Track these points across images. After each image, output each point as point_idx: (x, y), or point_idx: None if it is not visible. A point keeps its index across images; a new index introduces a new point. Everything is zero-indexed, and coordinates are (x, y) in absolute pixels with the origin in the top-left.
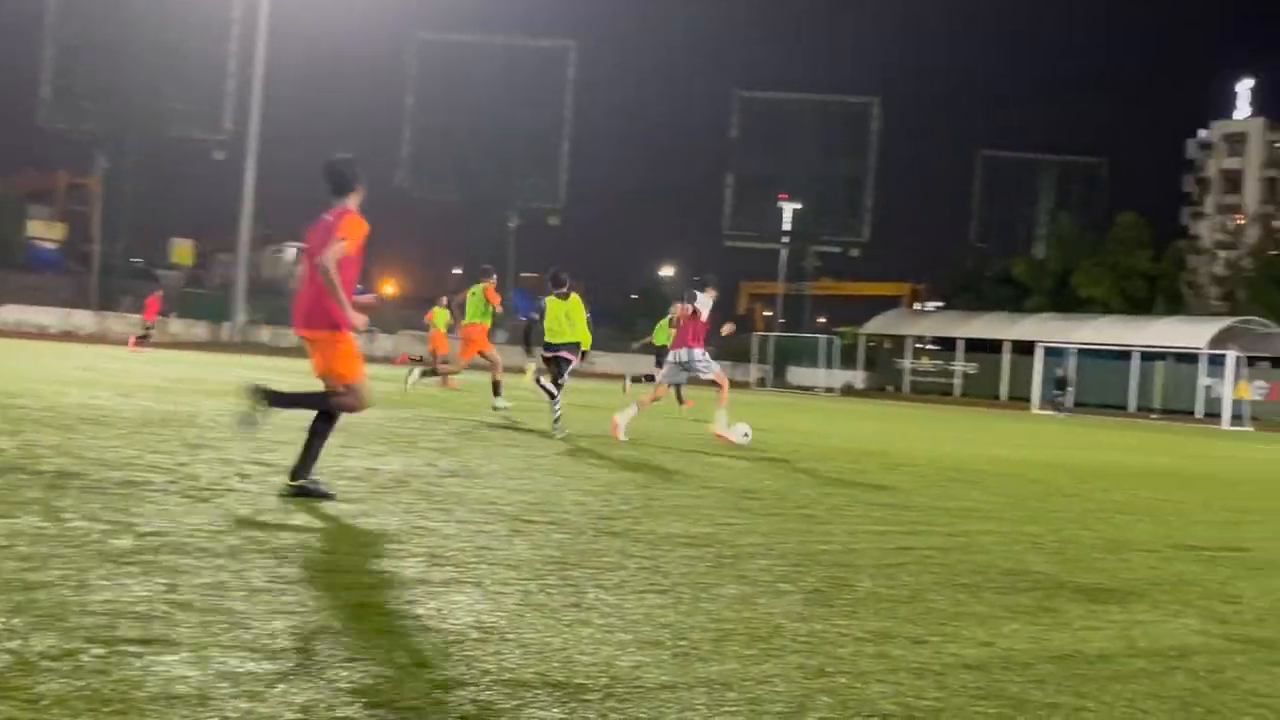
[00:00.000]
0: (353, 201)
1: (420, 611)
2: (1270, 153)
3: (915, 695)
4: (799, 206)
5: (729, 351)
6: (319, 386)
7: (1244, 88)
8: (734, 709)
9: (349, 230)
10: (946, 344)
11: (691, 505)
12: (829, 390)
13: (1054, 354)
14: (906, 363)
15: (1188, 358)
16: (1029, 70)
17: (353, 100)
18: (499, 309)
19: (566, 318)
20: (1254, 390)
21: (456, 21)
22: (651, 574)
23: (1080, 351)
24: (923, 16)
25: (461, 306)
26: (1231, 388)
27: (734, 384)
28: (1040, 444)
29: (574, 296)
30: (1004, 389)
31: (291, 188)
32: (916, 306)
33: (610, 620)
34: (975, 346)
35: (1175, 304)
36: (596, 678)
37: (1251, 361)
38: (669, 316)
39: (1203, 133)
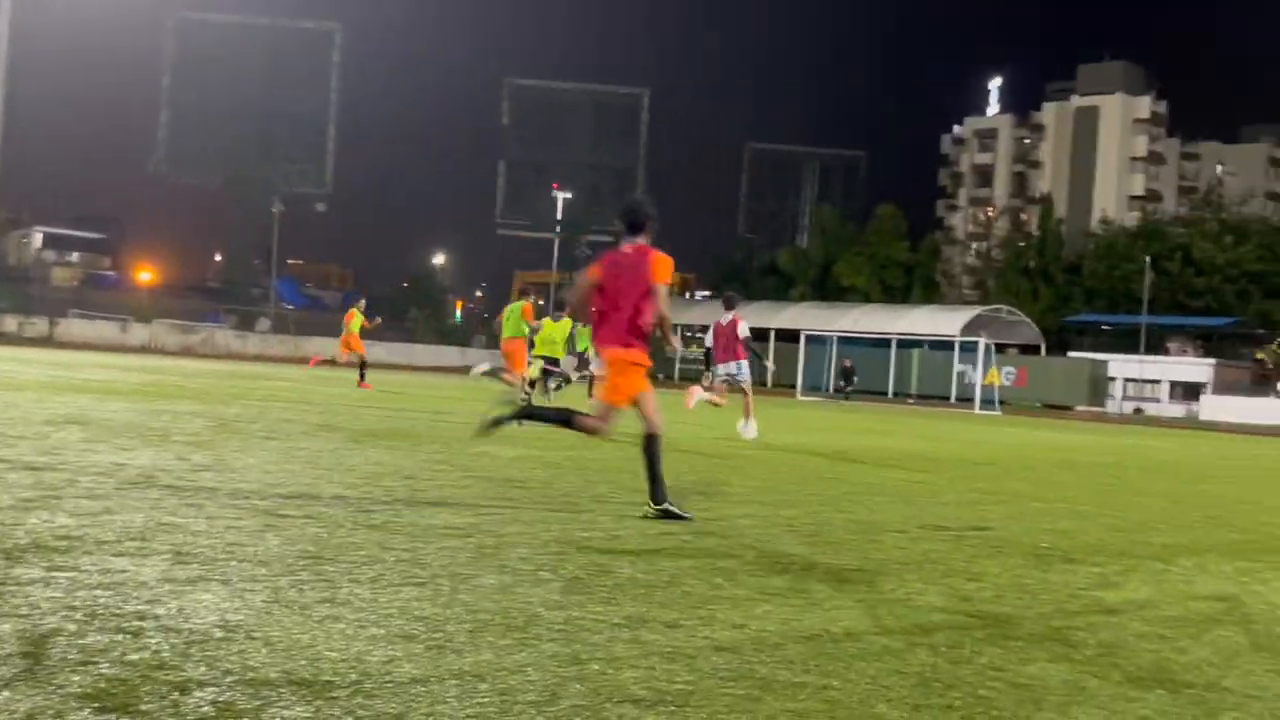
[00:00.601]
0: (645, 238)
1: (161, 611)
2: (1019, 148)
3: (667, 679)
4: (570, 196)
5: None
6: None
7: (994, 85)
8: (485, 700)
9: (663, 273)
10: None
11: (455, 495)
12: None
13: (816, 342)
14: (677, 351)
15: (943, 345)
16: (794, 66)
17: (106, 80)
18: (535, 325)
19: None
20: (1003, 376)
21: (217, 1)
22: (410, 566)
23: (841, 339)
24: (692, 10)
25: (500, 323)
26: (983, 374)
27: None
28: (801, 430)
29: (565, 320)
30: (769, 377)
31: (41, 169)
32: (686, 296)
33: (364, 615)
34: None
35: (931, 293)
36: (345, 674)
37: (1001, 348)
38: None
39: (956, 128)
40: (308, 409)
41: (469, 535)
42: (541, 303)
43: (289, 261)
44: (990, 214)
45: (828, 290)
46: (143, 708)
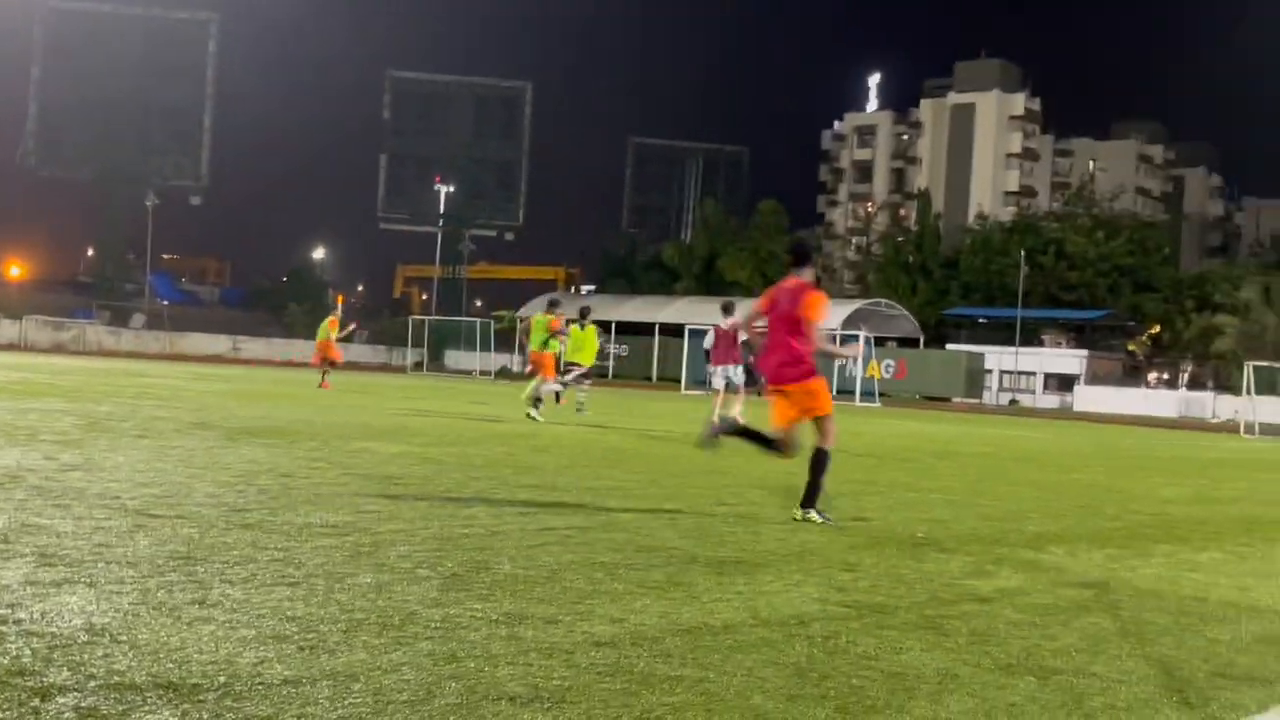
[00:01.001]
0: (809, 272)
1: (23, 615)
2: (897, 144)
3: (544, 676)
4: (453, 189)
5: (383, 336)
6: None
7: (874, 82)
8: (358, 700)
9: (815, 310)
10: (601, 327)
11: (333, 493)
12: (485, 374)
13: (700, 336)
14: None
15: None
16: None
17: None
18: (563, 331)
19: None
20: (883, 369)
21: None
22: (284, 566)
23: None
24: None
25: (526, 333)
26: (864, 367)
27: (390, 369)
28: (684, 422)
29: (590, 328)
30: (655, 370)
31: None
32: (572, 290)
33: (235, 616)
34: (628, 329)
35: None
36: (214, 676)
37: (880, 341)
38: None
39: (837, 124)
40: (181, 407)
41: (346, 534)
42: (566, 314)
43: (164, 256)
44: (870, 209)
45: (712, 284)
46: (0, 715)
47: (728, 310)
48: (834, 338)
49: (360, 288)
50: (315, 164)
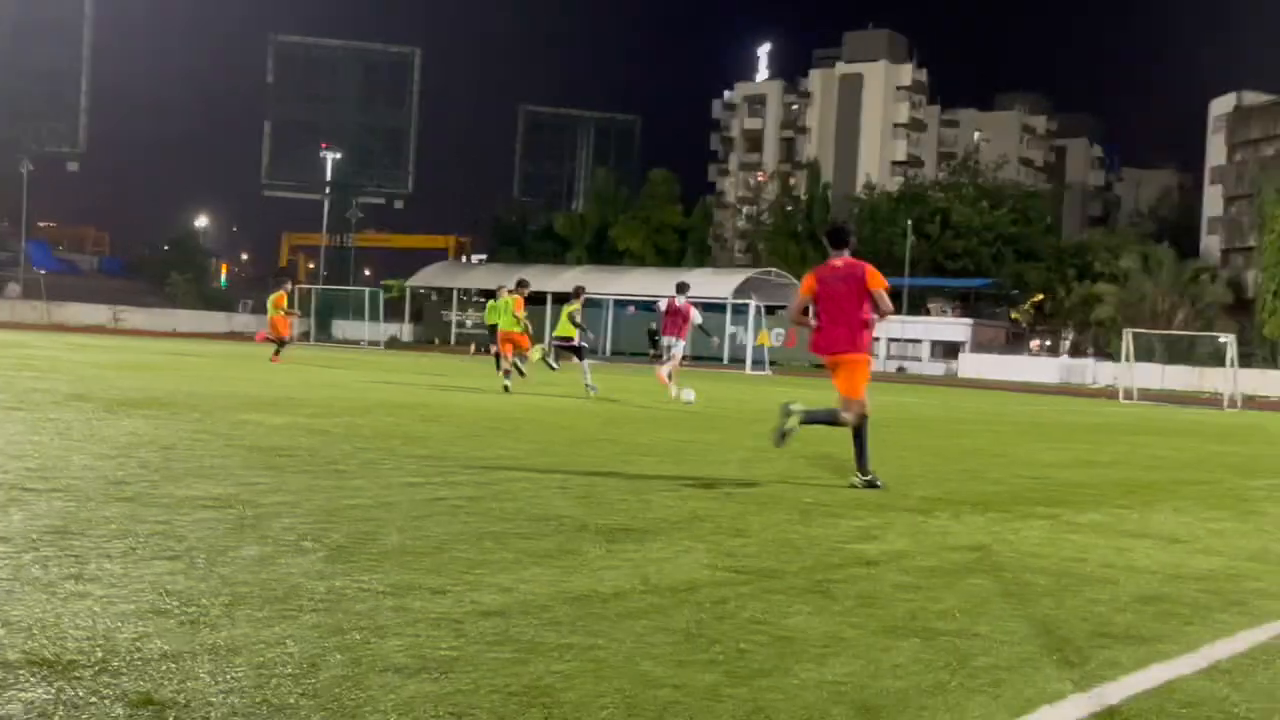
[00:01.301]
0: (847, 255)
1: None
2: (787, 114)
3: (431, 646)
4: (340, 156)
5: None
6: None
7: (764, 52)
8: (240, 674)
9: (878, 280)
10: (492, 296)
11: (216, 465)
12: (374, 344)
13: (592, 305)
14: (453, 315)
15: (715, 307)
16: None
17: None
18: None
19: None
20: (773, 337)
21: None
22: (164, 539)
23: (618, 302)
24: None
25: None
26: (754, 335)
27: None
28: (576, 391)
29: (575, 304)
30: (547, 339)
31: None
32: (463, 260)
33: (113, 591)
34: None
35: (704, 256)
36: (91, 652)
37: (770, 310)
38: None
39: (727, 94)
40: (59, 378)
41: (229, 506)
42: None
43: (40, 224)
44: (760, 179)
45: (604, 254)
46: None
47: (681, 290)
48: (725, 308)
49: (244, 256)
50: (198, 130)
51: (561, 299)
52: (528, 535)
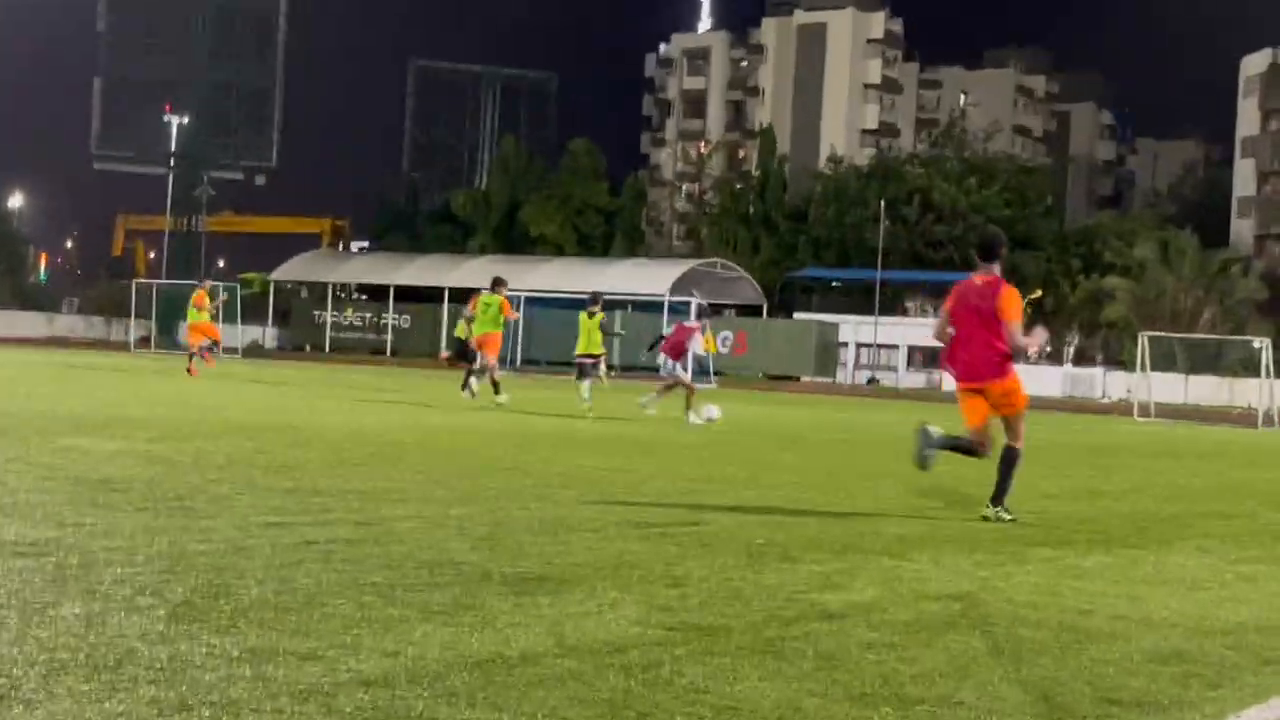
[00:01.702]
0: (996, 269)
1: None
2: (735, 72)
3: None
4: (187, 121)
5: (100, 304)
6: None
7: None
8: None
9: (1012, 309)
10: (377, 293)
11: (33, 502)
12: (230, 351)
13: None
14: (328, 316)
15: (650, 306)
16: None
17: None
18: (513, 317)
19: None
20: (719, 342)
21: None
22: None
23: (530, 300)
24: None
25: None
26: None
27: (109, 345)
28: (480, 408)
29: (598, 315)
30: (443, 345)
31: None
32: (340, 248)
33: None
34: (410, 295)
35: (635, 244)
36: None
37: (716, 310)
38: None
39: (663, 47)
40: None
41: (47, 553)
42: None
43: None
44: (703, 150)
45: (514, 241)
46: None
47: (700, 315)
48: (663, 306)
49: (69, 244)
50: (10, 85)
51: (460, 297)
52: (417, 587)
